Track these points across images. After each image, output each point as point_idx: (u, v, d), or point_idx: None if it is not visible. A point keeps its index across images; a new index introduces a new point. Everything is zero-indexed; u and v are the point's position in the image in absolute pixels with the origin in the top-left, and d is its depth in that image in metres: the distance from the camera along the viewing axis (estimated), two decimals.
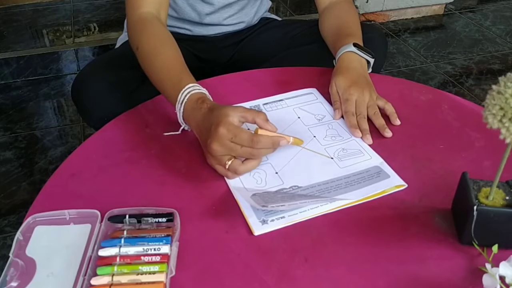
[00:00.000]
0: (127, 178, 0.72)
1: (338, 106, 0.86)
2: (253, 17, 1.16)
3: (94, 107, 0.91)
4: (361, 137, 0.80)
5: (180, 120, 0.76)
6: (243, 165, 0.70)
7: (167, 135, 0.80)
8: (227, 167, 0.69)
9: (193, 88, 0.75)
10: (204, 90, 0.76)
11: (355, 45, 0.91)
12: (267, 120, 0.71)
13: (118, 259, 0.58)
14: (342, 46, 0.92)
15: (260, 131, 0.69)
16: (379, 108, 0.85)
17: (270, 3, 1.24)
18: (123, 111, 0.86)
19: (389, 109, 0.85)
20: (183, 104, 0.74)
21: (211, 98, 0.76)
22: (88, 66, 0.97)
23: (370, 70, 0.93)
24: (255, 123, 0.71)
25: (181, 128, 0.78)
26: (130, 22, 0.90)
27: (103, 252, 0.59)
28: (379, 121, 0.82)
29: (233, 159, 0.69)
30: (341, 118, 0.85)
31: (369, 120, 0.83)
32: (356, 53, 0.90)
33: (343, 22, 1.00)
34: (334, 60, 0.94)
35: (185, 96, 0.74)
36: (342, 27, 0.98)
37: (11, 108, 1.84)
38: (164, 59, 0.83)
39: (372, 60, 0.92)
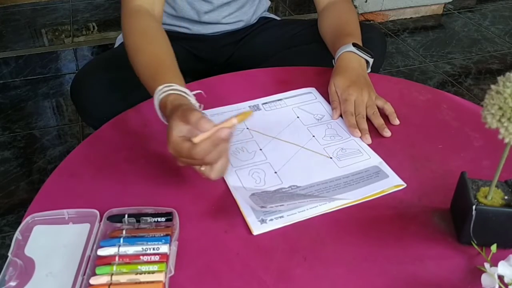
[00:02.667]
0: (126, 177, 0.72)
1: (336, 105, 0.86)
2: (251, 16, 1.16)
3: (93, 107, 0.91)
4: (360, 137, 0.80)
5: (162, 119, 0.73)
6: (213, 171, 0.64)
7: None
8: (202, 175, 0.65)
9: (163, 91, 0.71)
10: (175, 90, 0.71)
11: (354, 45, 0.91)
12: (198, 120, 0.61)
13: (117, 258, 0.58)
14: (341, 46, 0.92)
15: (195, 139, 0.61)
16: (378, 108, 0.85)
17: (269, 2, 1.24)
18: (122, 111, 0.86)
19: (388, 109, 0.85)
20: (157, 107, 0.71)
21: (184, 97, 0.71)
22: (87, 66, 0.97)
23: (369, 70, 0.93)
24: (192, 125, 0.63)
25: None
26: (122, 15, 0.89)
27: (102, 252, 0.59)
28: (378, 121, 0.82)
29: (203, 166, 0.64)
30: (340, 118, 0.85)
31: (368, 120, 0.83)
32: (355, 53, 0.90)
33: (342, 21, 1.00)
34: (333, 60, 0.94)
35: (157, 99, 0.71)
36: (341, 27, 0.98)
37: (9, 107, 1.84)
38: (146, 56, 0.81)
39: (371, 60, 0.92)
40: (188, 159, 0.63)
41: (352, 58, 0.90)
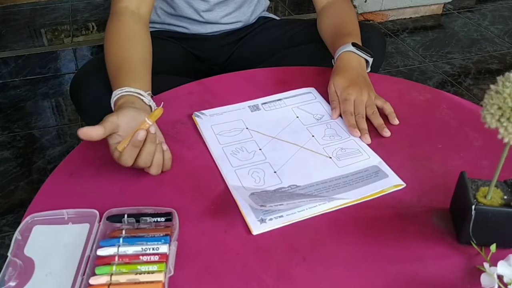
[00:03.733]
0: (126, 177, 0.72)
1: (335, 105, 0.86)
2: (250, 16, 1.16)
3: (92, 106, 0.91)
4: (360, 137, 0.80)
5: None
6: (150, 168, 0.70)
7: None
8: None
9: (119, 92, 0.75)
10: (128, 92, 0.75)
11: (353, 44, 0.91)
12: (104, 120, 0.66)
13: (116, 258, 0.58)
14: (341, 46, 0.92)
15: (119, 147, 0.67)
16: (378, 108, 0.85)
17: (268, 2, 1.24)
18: None
19: (388, 108, 0.85)
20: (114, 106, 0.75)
21: (141, 96, 0.75)
22: (87, 65, 0.97)
23: (369, 69, 0.93)
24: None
25: None
26: (109, 16, 0.91)
27: (101, 252, 0.59)
28: (378, 121, 0.82)
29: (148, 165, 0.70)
30: (340, 118, 0.85)
31: (367, 119, 0.83)
32: (355, 53, 0.90)
33: (341, 21, 1.00)
34: (332, 60, 0.94)
35: (112, 102, 0.76)
36: (340, 27, 0.98)
37: (9, 107, 1.84)
38: (111, 58, 0.83)
39: (371, 60, 0.92)
40: (123, 163, 0.67)
41: (351, 58, 0.90)
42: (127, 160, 0.67)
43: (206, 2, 1.07)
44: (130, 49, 0.84)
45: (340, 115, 0.85)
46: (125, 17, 0.89)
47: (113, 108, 0.76)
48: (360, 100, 0.84)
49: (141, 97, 0.76)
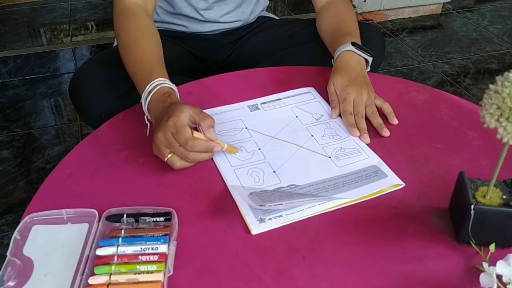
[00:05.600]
0: (125, 177, 0.72)
1: (335, 105, 0.86)
2: (249, 16, 1.16)
3: (91, 106, 0.91)
4: (359, 136, 0.80)
5: (145, 109, 0.78)
6: (180, 160, 0.71)
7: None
8: (165, 159, 0.71)
9: (163, 82, 0.77)
10: (173, 86, 0.78)
11: (353, 44, 0.91)
12: (211, 126, 0.72)
13: (115, 258, 0.58)
14: (340, 45, 0.92)
15: (196, 134, 0.70)
16: (377, 108, 0.85)
17: (268, 2, 1.24)
18: (120, 110, 0.86)
19: (387, 108, 0.85)
20: (150, 94, 0.76)
21: (178, 95, 0.78)
22: (86, 65, 0.97)
23: (369, 68, 0.93)
24: (200, 126, 0.72)
25: (145, 116, 0.79)
26: (115, 11, 0.92)
27: (100, 252, 0.59)
28: (377, 121, 0.82)
29: (173, 153, 0.70)
30: (339, 117, 0.85)
31: (367, 119, 0.83)
32: (355, 52, 0.90)
33: (340, 21, 1.00)
34: (332, 59, 0.94)
35: (153, 87, 0.76)
36: (340, 26, 0.98)
37: (8, 107, 1.84)
38: (140, 50, 0.84)
39: (370, 59, 0.92)
40: (174, 141, 0.69)
41: (351, 57, 0.90)
42: (194, 147, 0.69)
43: (204, 0, 1.07)
44: (156, 43, 0.87)
45: (340, 115, 0.85)
46: (140, 12, 0.90)
47: (152, 91, 0.76)
48: (360, 100, 0.84)
49: (176, 91, 0.78)
